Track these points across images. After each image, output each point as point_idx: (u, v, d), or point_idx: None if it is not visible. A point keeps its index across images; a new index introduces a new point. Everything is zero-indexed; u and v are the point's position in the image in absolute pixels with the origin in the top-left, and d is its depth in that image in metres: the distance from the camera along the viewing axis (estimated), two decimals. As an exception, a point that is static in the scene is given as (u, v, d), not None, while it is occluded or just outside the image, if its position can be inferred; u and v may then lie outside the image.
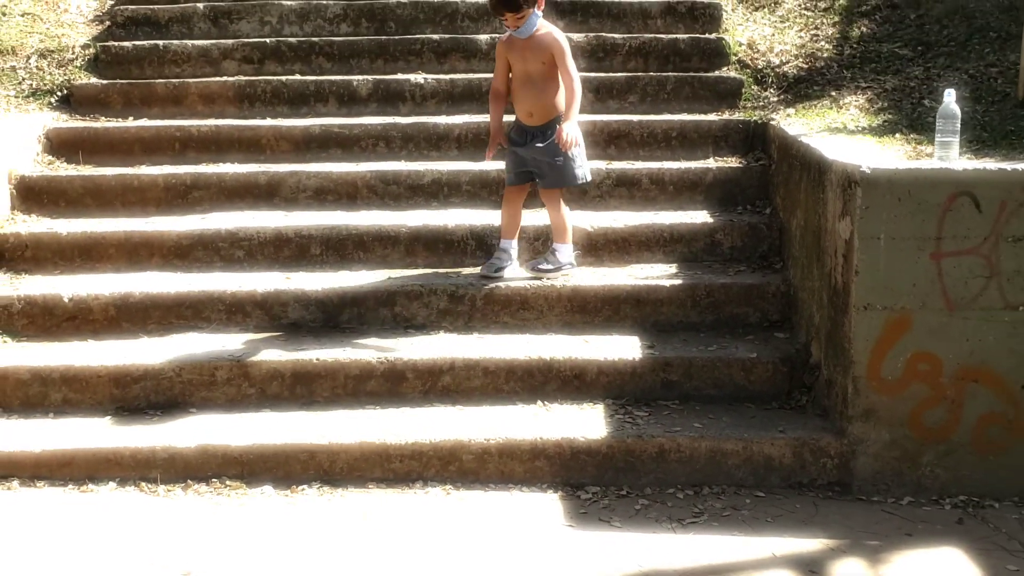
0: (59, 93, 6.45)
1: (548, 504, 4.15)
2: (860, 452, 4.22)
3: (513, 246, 5.14)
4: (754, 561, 3.72)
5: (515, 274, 5.10)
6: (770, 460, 4.27)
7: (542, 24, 4.99)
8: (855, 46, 6.66)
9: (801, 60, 6.63)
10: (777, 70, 6.56)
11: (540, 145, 5.00)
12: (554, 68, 4.98)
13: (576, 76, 4.96)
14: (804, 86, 6.36)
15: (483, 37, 6.68)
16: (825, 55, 6.66)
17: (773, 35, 6.94)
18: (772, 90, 6.42)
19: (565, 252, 5.10)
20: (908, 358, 4.12)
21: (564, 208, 5.13)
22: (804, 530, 3.93)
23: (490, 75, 6.42)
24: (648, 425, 4.40)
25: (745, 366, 4.65)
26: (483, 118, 6.09)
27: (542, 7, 4.96)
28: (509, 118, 5.26)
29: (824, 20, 7.06)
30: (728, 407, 4.57)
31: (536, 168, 5.08)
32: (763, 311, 5.01)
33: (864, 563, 3.71)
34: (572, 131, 4.85)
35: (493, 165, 5.71)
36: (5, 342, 4.95)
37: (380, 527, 3.96)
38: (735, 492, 4.23)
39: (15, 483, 4.26)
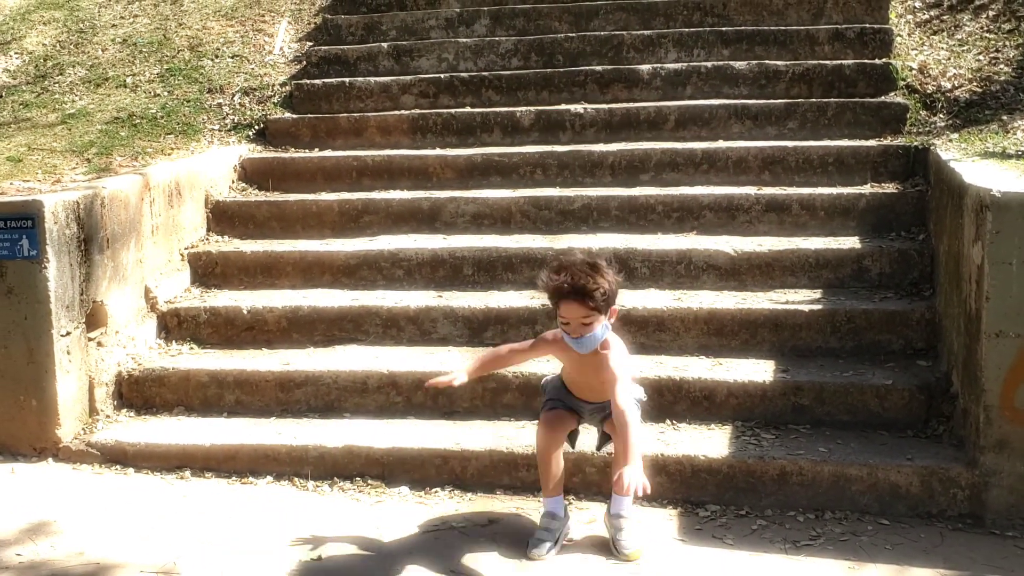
0: (256, 127, 7.12)
1: (664, 519, 4.24)
2: (993, 484, 4.08)
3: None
4: (861, 586, 3.70)
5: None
6: (896, 488, 4.19)
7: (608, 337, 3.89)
8: (1037, 68, 6.41)
9: (975, 84, 6.42)
10: (948, 94, 6.38)
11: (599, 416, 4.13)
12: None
13: (636, 411, 3.88)
14: (975, 111, 6.16)
15: (645, 67, 6.83)
16: (1002, 78, 6.41)
17: (948, 59, 6.75)
18: (941, 115, 6.25)
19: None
20: (1044, 388, 3.97)
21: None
22: (922, 559, 3.84)
23: (648, 103, 6.62)
24: (772, 447, 4.42)
25: (879, 393, 4.57)
26: (637, 145, 6.28)
27: (614, 318, 3.87)
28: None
29: (1007, 42, 6.80)
30: (859, 434, 4.51)
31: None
32: (907, 338, 4.90)
33: (980, 596, 3.62)
34: (636, 477, 3.54)
35: (640, 191, 5.90)
36: (192, 349, 5.53)
37: (502, 530, 4.17)
38: (858, 519, 4.18)
39: (187, 473, 4.77)
